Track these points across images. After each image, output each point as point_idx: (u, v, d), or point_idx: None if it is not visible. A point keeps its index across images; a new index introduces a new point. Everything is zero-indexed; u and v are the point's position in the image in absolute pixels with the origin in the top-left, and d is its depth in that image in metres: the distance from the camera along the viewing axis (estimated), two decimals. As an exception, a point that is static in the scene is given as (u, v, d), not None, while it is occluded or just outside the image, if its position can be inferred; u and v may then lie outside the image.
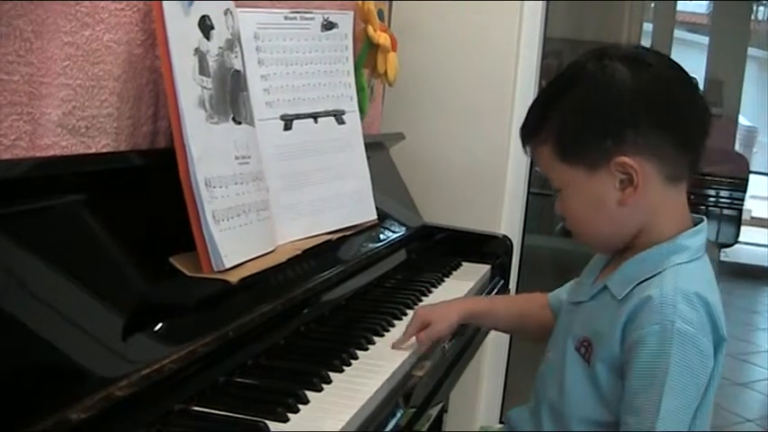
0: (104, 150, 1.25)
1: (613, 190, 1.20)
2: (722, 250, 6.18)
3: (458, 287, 1.94)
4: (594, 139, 1.20)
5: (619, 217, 1.22)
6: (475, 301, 1.71)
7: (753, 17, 7.92)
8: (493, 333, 1.93)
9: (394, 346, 1.45)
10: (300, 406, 1.14)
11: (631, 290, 1.20)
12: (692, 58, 7.62)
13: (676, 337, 1.12)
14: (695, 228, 1.24)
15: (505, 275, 2.23)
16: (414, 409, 1.28)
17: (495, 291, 2.08)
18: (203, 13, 1.33)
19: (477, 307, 1.59)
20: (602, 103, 1.20)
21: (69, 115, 1.17)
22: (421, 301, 1.77)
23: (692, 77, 1.27)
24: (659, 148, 1.19)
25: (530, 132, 1.28)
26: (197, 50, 1.30)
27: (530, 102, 1.72)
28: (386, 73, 2.06)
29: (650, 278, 1.18)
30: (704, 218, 1.28)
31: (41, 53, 1.12)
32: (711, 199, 6.15)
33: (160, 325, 1.11)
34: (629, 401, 1.15)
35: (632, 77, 1.19)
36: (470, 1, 2.56)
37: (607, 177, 1.20)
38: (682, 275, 1.17)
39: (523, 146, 1.30)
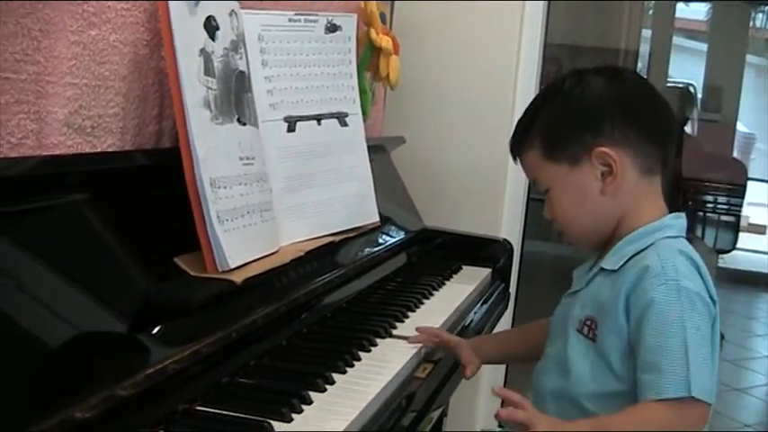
0: (110, 150, 1.25)
1: (595, 181, 1.30)
2: (720, 256, 6.18)
3: (458, 291, 1.94)
4: (575, 135, 1.31)
5: (602, 207, 1.31)
6: (493, 340, 1.75)
7: (751, 24, 7.93)
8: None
9: (419, 329, 1.53)
10: (304, 406, 1.14)
11: (626, 262, 1.27)
12: (691, 65, 7.64)
13: (684, 294, 1.19)
14: (675, 213, 1.33)
15: (506, 280, 2.23)
16: (414, 413, 1.28)
17: (496, 295, 2.08)
18: (209, 14, 1.33)
19: (493, 346, 1.63)
20: (580, 103, 1.32)
21: (75, 114, 1.17)
22: (423, 303, 1.77)
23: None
24: (633, 141, 1.29)
25: (518, 141, 1.38)
26: (202, 51, 1.30)
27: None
28: (388, 76, 2.06)
29: (643, 250, 1.26)
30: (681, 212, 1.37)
31: (48, 52, 1.12)
32: (709, 205, 6.15)
33: (164, 325, 1.11)
34: (649, 361, 1.17)
35: (608, 85, 1.33)
36: (472, 2, 2.57)
37: (589, 169, 1.30)
38: (674, 244, 1.27)
39: (513, 157, 1.40)
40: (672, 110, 1.40)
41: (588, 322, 1.28)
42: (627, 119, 1.29)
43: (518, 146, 1.38)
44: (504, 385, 2.79)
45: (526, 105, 1.40)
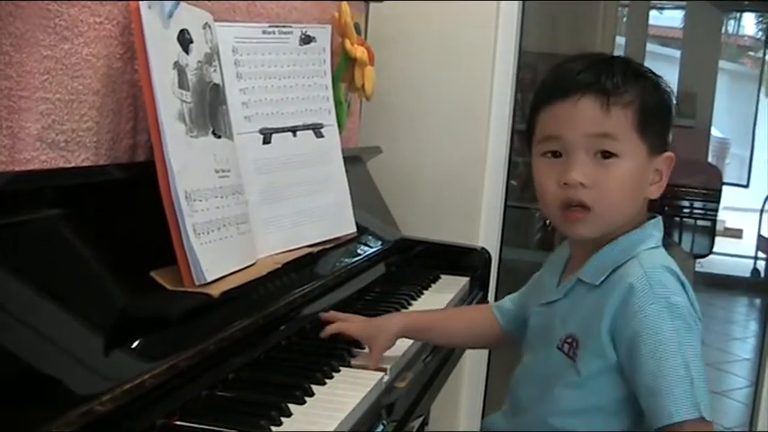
0: (84, 164, 1.24)
1: (647, 180, 1.26)
2: (697, 261, 6.22)
3: (437, 300, 1.94)
4: (662, 128, 1.27)
5: (636, 204, 1.26)
6: (417, 316, 1.65)
7: (723, 30, 8.01)
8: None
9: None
10: (283, 419, 1.14)
11: (607, 276, 1.22)
12: (665, 72, 7.68)
13: (675, 311, 1.15)
14: (655, 219, 1.30)
15: (484, 288, 2.24)
16: (395, 423, 1.28)
17: (475, 303, 2.08)
18: (182, 27, 1.33)
19: (418, 321, 1.56)
20: (662, 100, 1.28)
21: (49, 129, 1.16)
22: (401, 313, 1.77)
23: None
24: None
25: (613, 89, 1.22)
26: (176, 64, 1.30)
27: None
28: (363, 87, 2.06)
29: (624, 263, 1.22)
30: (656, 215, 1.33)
31: (20, 67, 1.11)
32: (685, 210, 6.21)
33: (142, 339, 1.11)
34: (651, 386, 1.14)
35: (662, 88, 1.29)
36: (446, 9, 2.58)
37: (652, 167, 1.25)
38: (657, 257, 1.23)
39: (578, 95, 1.22)
40: None
41: (569, 340, 1.25)
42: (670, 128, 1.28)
43: (611, 92, 1.21)
44: (485, 397, 2.79)
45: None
